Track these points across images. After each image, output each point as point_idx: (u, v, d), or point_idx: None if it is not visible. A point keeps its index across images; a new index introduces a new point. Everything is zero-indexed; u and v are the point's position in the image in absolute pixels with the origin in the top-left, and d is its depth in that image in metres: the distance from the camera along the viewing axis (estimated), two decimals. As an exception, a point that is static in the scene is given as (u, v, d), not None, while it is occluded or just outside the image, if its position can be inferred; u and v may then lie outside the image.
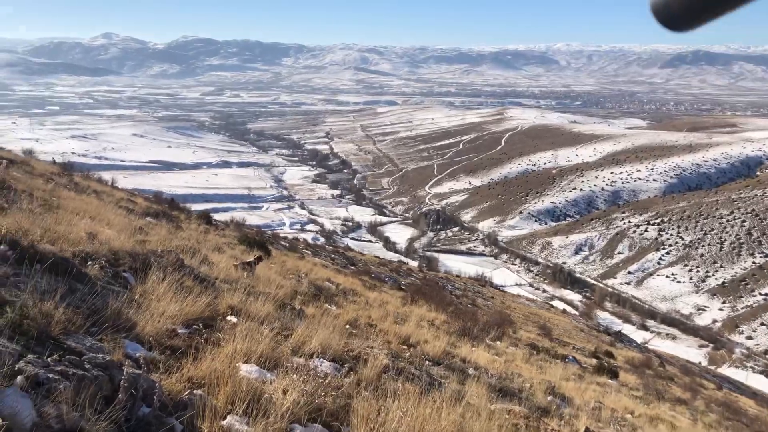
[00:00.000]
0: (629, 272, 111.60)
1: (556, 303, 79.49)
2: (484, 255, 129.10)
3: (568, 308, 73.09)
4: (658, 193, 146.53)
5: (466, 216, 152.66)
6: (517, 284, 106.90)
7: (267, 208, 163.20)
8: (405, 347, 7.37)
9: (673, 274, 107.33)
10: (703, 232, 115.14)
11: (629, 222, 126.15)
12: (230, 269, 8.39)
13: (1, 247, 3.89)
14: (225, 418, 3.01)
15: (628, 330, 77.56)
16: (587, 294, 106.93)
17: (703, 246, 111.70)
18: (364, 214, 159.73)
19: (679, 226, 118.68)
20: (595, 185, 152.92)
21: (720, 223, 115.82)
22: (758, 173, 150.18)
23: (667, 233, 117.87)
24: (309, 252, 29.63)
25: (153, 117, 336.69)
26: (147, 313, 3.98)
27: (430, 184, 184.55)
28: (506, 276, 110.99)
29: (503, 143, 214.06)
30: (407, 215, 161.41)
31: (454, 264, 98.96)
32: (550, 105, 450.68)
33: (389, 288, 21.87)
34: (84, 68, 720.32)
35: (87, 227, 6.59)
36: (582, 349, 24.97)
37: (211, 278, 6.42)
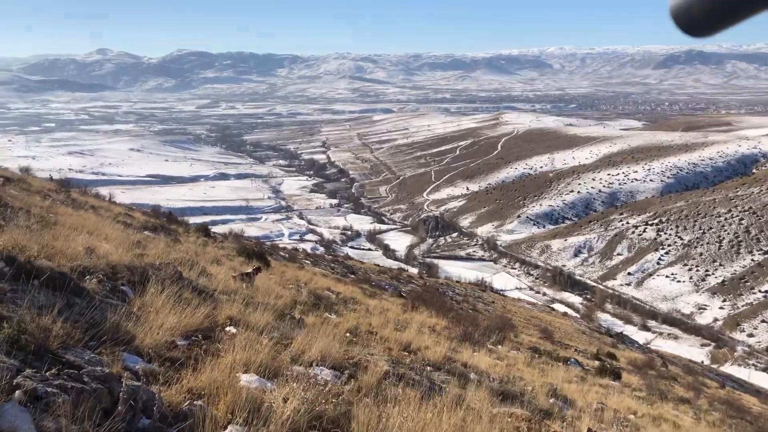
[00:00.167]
0: (629, 273, 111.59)
1: (556, 306, 79.45)
2: (484, 260, 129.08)
3: (569, 311, 73.11)
4: (655, 193, 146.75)
5: (465, 221, 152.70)
6: (517, 288, 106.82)
7: (265, 219, 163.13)
8: (406, 353, 7.37)
9: (672, 274, 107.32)
10: (702, 231, 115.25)
11: (627, 223, 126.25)
12: (229, 281, 8.39)
13: (-1, 263, 3.90)
14: (226, 427, 3.02)
15: (630, 331, 77.51)
16: (588, 296, 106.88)
17: (702, 245, 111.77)
18: (362, 223, 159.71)
19: (677, 226, 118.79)
20: (592, 187, 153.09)
21: (718, 222, 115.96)
22: (754, 171, 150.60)
23: (665, 233, 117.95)
24: (308, 262, 29.61)
25: (149, 131, 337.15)
26: (146, 326, 3.98)
27: (428, 190, 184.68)
28: (506, 280, 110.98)
29: (500, 148, 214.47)
30: (406, 222, 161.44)
31: (453, 270, 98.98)
32: (545, 108, 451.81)
33: (390, 295, 21.84)
34: (79, 84, 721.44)
35: (85, 242, 6.60)
36: (584, 351, 24.94)
37: (209, 290, 6.42)
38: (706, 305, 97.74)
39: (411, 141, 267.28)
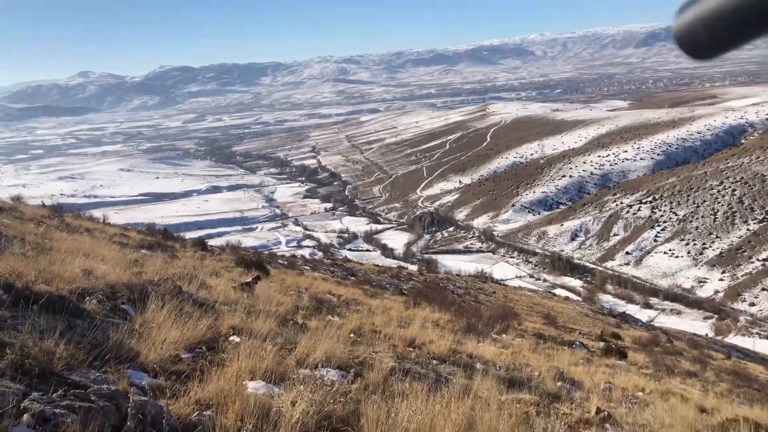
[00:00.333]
0: (627, 253, 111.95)
1: (558, 291, 79.70)
2: (482, 251, 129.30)
3: (571, 295, 73.27)
4: (646, 171, 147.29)
5: (460, 215, 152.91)
6: (517, 277, 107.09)
7: (261, 229, 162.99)
8: (411, 349, 7.39)
9: (670, 250, 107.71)
10: (696, 205, 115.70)
11: (621, 203, 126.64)
12: (229, 291, 8.39)
13: (-3, 291, 3.90)
14: (236, 435, 3.03)
15: (633, 310, 77.82)
16: (588, 279, 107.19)
17: (696, 219, 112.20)
18: (358, 224, 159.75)
19: (671, 202, 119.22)
20: (583, 170, 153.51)
21: (711, 195, 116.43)
22: (743, 141, 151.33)
23: (660, 210, 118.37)
24: (308, 267, 29.59)
25: (138, 150, 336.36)
26: (149, 342, 3.99)
27: (421, 187, 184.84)
28: (506, 270, 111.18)
29: (489, 139, 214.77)
30: (402, 220, 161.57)
31: (453, 264, 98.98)
32: (531, 96, 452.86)
33: (391, 294, 21.86)
34: (64, 109, 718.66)
35: (82, 264, 6.59)
36: (588, 333, 25.02)
37: (210, 302, 6.42)
38: (706, 278, 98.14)
39: (400, 139, 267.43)
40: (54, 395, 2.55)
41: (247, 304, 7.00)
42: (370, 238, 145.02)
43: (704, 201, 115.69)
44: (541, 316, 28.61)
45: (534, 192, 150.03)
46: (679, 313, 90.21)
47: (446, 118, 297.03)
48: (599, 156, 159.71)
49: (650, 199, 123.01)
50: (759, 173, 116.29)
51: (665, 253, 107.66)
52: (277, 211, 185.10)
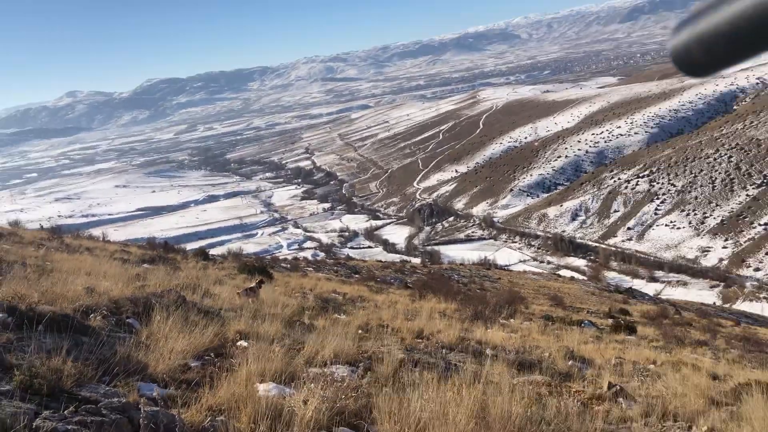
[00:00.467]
0: (628, 228, 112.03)
1: (562, 272, 79.82)
2: (484, 239, 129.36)
3: (576, 275, 73.29)
4: (641, 145, 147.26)
5: (459, 204, 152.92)
6: (521, 261, 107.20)
7: (262, 234, 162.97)
8: (419, 340, 7.40)
9: (671, 222, 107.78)
10: (693, 175, 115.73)
11: (619, 179, 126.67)
12: (233, 298, 8.40)
13: (1, 315, 3.90)
14: (250, 438, 3.03)
15: (639, 284, 77.92)
16: (592, 257, 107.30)
17: (695, 189, 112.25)
18: (358, 222, 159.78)
19: (668, 174, 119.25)
20: (579, 149, 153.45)
21: (708, 163, 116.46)
22: (735, 107, 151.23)
23: (658, 183, 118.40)
24: (311, 269, 29.61)
25: (132, 165, 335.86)
26: (156, 353, 3.99)
27: (418, 179, 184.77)
28: (509, 255, 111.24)
29: (481, 126, 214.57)
30: (401, 214, 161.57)
31: (455, 253, 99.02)
32: (520, 79, 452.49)
33: (396, 288, 21.89)
34: (54, 130, 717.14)
35: (84, 283, 6.59)
36: (596, 311, 25.07)
37: (215, 309, 6.43)
38: (709, 247, 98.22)
39: (393, 133, 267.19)
40: (65, 412, 2.55)
41: (253, 309, 7.01)
42: (370, 234, 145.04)
43: (701, 170, 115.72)
44: (547, 298, 28.66)
45: (531, 175, 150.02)
46: (685, 284, 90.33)
47: (437, 108, 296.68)
48: (593, 134, 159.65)
49: (647, 172, 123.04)
50: (754, 138, 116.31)
51: (666, 225, 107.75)
52: (276, 215, 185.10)
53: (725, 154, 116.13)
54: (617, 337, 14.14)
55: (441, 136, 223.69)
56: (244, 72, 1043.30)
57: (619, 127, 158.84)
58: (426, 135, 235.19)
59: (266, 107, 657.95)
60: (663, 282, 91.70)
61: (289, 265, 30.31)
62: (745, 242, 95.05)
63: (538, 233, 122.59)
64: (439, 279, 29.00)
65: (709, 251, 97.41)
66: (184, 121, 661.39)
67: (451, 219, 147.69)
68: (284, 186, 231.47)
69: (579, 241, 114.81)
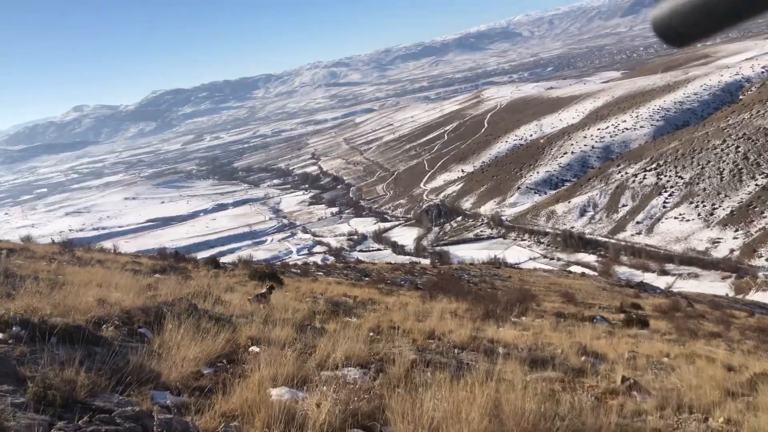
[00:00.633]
0: (637, 222, 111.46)
1: (573, 268, 79.51)
2: (493, 238, 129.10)
3: (586, 270, 73.13)
4: (647, 138, 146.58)
5: (467, 204, 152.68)
6: (531, 259, 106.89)
7: (271, 240, 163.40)
8: (431, 341, 7.39)
9: (680, 215, 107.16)
10: (701, 166, 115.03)
11: (626, 173, 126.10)
12: (244, 304, 8.43)
13: (14, 329, 3.93)
14: (264, 442, 3.04)
15: (650, 278, 77.52)
16: (601, 252, 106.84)
17: (703, 180, 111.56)
18: (366, 225, 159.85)
19: (676, 166, 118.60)
20: (585, 145, 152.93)
21: (715, 154, 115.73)
22: (741, 97, 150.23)
23: (665, 176, 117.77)
24: (321, 273, 29.63)
25: (140, 177, 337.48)
26: (169, 361, 4.01)
27: (424, 180, 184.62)
28: (519, 253, 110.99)
29: (486, 125, 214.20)
30: (409, 216, 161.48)
31: (465, 253, 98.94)
32: (524, 77, 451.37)
33: (406, 290, 21.87)
34: (62, 145, 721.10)
35: (96, 294, 6.63)
36: (608, 307, 24.95)
37: (226, 316, 6.45)
38: (719, 238, 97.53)
39: (398, 135, 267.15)
40: (79, 422, 2.57)
41: (264, 315, 7.02)
42: (379, 237, 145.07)
43: (709, 161, 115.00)
44: (559, 295, 28.55)
45: (538, 172, 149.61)
46: (696, 276, 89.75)
47: (441, 109, 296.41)
48: (599, 129, 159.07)
49: (654, 165, 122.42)
50: (761, 127, 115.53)
51: (676, 218, 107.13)
52: (285, 221, 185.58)
53: (732, 145, 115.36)
54: (630, 332, 14.07)
55: (446, 137, 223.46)
56: (249, 80, 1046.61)
57: (625, 121, 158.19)
58: (431, 136, 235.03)
59: (271, 114, 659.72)
60: (674, 275, 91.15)
61: (299, 271, 30.35)
62: (756, 232, 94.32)
63: (547, 230, 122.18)
64: (449, 279, 28.96)
65: (720, 242, 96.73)
66: (191, 131, 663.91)
67: (459, 219, 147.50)
68: (292, 192, 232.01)
69: (588, 236, 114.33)
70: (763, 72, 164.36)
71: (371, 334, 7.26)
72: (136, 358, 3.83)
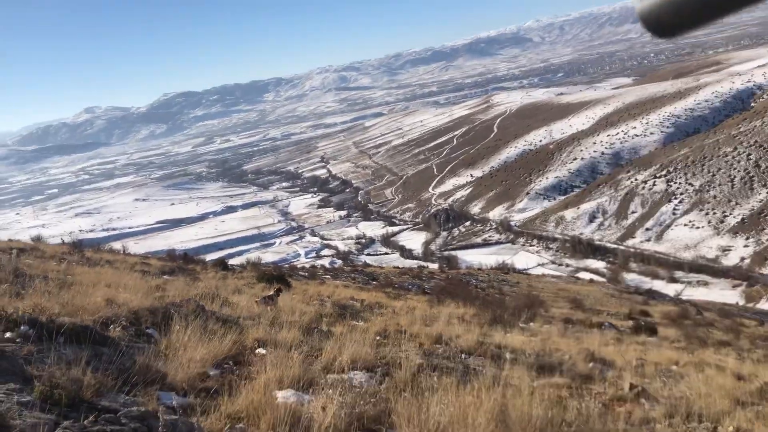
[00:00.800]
0: (647, 229, 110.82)
1: (581, 275, 79.09)
2: (501, 243, 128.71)
3: (595, 277, 72.64)
4: (658, 145, 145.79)
5: (475, 208, 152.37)
6: (539, 264, 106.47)
7: (280, 243, 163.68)
8: (437, 345, 7.37)
9: (690, 222, 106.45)
10: (711, 173, 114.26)
11: (636, 180, 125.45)
12: (252, 306, 8.44)
13: (22, 327, 3.95)
14: (270, 445, 3.03)
15: (659, 286, 76.95)
16: (610, 259, 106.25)
17: (713, 188, 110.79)
18: (374, 228, 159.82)
19: (686, 174, 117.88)
20: (594, 151, 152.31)
21: (726, 162, 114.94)
22: (753, 104, 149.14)
23: (675, 183, 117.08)
24: (328, 276, 29.66)
25: (150, 179, 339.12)
26: (175, 362, 4.02)
27: (433, 184, 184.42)
28: (527, 259, 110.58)
29: (496, 129, 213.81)
30: (417, 220, 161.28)
31: (473, 258, 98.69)
32: (534, 83, 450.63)
33: (414, 294, 21.85)
34: (74, 146, 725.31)
35: (104, 295, 6.65)
36: (616, 313, 24.82)
37: (233, 318, 6.46)
38: (730, 246, 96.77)
39: (407, 140, 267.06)
40: (85, 422, 2.58)
41: (271, 317, 7.03)
42: (387, 241, 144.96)
43: (719, 169, 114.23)
44: (567, 301, 28.43)
45: (547, 178, 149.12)
46: (706, 284, 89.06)
47: (451, 113, 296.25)
48: (608, 135, 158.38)
49: (664, 172, 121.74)
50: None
51: (685, 225, 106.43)
52: (293, 224, 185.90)
53: (744, 152, 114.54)
54: (638, 339, 13.98)
55: (455, 141, 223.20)
56: (259, 84, 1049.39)
57: (635, 127, 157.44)
58: (440, 140, 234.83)
59: (282, 118, 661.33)
60: (683, 282, 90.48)
61: (306, 273, 30.38)
62: (767, 240, 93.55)
63: (556, 236, 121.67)
64: (457, 284, 28.89)
65: (730, 250, 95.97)
66: (201, 134, 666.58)
67: (467, 223, 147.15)
68: (301, 195, 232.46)
69: (597, 243, 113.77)
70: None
71: (378, 337, 7.25)
72: (142, 358, 3.84)
